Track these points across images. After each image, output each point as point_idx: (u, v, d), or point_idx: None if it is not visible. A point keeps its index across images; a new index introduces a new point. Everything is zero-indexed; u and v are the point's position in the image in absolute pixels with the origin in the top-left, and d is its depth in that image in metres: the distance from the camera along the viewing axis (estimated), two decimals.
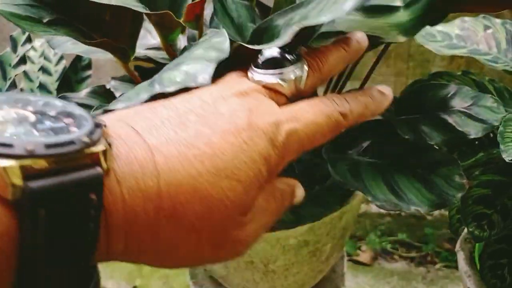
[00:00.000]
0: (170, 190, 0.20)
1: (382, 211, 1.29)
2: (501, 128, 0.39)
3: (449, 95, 0.40)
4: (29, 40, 0.49)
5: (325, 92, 0.60)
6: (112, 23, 0.35)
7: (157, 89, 0.27)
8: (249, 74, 0.27)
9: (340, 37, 0.30)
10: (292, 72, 0.26)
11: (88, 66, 0.66)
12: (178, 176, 0.20)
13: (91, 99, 0.40)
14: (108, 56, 0.47)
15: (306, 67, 0.27)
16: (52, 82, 0.75)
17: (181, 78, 0.27)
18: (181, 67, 0.28)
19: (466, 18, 0.56)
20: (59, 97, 0.40)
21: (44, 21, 0.32)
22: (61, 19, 0.33)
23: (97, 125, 0.19)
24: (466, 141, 0.49)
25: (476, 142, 0.49)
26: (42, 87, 0.75)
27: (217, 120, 0.22)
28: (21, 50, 0.48)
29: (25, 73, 0.79)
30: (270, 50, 0.27)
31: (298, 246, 0.46)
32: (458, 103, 0.40)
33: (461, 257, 0.66)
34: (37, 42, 0.83)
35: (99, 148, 0.19)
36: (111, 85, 0.42)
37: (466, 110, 0.39)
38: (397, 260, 1.25)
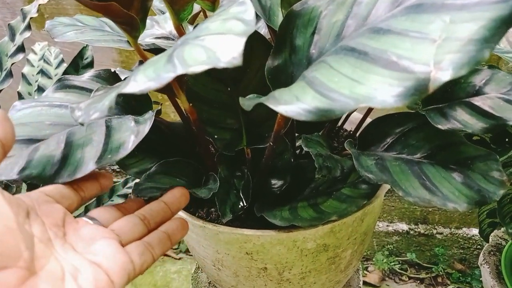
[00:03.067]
0: None
1: (389, 229, 1.24)
2: None
3: (483, 81, 0.37)
4: (28, 28, 0.46)
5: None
6: None
7: (179, 69, 0.22)
8: None
9: None
10: None
11: (90, 64, 0.62)
12: None
13: (93, 82, 0.37)
14: (113, 45, 0.44)
15: None
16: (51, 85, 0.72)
17: (207, 56, 0.22)
18: (205, 41, 0.23)
19: None
20: (60, 79, 0.36)
21: None
22: None
23: None
24: (496, 138, 0.46)
25: (507, 139, 0.46)
26: (41, 90, 0.72)
27: None
28: (19, 39, 0.45)
29: (23, 76, 0.76)
30: None
31: (317, 251, 0.42)
32: (494, 89, 0.36)
33: (486, 271, 0.62)
34: (37, 46, 0.81)
35: None
36: (117, 70, 0.38)
37: (504, 96, 0.36)
38: (406, 281, 1.19)
